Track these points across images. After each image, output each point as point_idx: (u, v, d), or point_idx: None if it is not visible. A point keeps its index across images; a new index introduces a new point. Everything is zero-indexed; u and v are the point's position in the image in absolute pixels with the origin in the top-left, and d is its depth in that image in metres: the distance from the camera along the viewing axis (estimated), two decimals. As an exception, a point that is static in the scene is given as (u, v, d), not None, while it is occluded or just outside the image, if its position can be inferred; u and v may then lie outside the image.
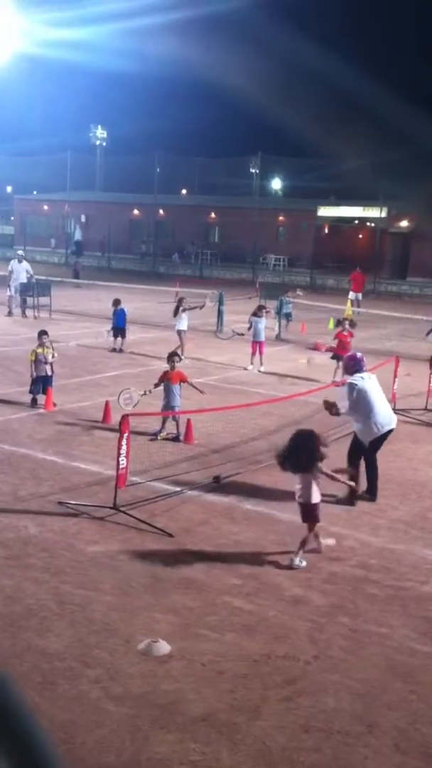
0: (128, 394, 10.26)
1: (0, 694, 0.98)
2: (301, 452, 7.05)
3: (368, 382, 8.85)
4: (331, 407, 8.78)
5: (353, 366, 9.08)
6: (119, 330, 18.62)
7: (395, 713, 4.85)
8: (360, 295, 32.36)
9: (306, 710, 4.80)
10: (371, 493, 8.89)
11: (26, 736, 0.93)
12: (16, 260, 25.34)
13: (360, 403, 8.65)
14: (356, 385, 8.71)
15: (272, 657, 5.40)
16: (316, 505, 7.18)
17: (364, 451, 8.88)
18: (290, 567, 6.89)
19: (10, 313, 24.14)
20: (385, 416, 8.77)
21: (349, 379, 8.90)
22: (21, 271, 24.65)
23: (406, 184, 45.30)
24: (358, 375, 8.88)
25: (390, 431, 8.86)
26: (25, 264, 25.00)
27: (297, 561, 6.94)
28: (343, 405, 8.77)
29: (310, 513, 7.18)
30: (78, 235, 56.80)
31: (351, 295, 31.96)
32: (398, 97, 54.13)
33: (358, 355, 9.40)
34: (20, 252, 28.02)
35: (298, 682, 5.11)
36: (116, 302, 19.20)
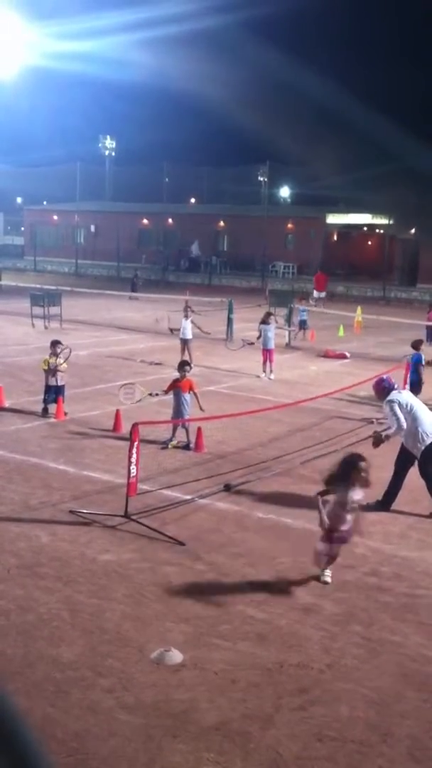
0: (130, 389, 9.94)
1: None
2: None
3: (406, 395, 8.94)
4: (378, 440, 8.83)
5: (384, 389, 9.01)
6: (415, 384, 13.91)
7: (409, 722, 4.82)
8: (323, 294, 34.33)
9: (319, 719, 4.78)
10: None
11: (17, 742, 0.92)
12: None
13: (406, 417, 8.54)
14: (395, 400, 8.67)
15: (285, 666, 5.37)
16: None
17: (420, 465, 8.67)
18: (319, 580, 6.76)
19: None
20: (430, 426, 8.60)
21: (387, 398, 8.79)
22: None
23: (405, 193, 46.04)
24: (393, 392, 8.86)
25: None
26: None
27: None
28: (389, 427, 8.77)
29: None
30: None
31: (315, 293, 33.74)
32: (394, 115, 55.30)
33: (384, 376, 9.44)
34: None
35: (312, 691, 5.08)
36: (417, 345, 14.53)
